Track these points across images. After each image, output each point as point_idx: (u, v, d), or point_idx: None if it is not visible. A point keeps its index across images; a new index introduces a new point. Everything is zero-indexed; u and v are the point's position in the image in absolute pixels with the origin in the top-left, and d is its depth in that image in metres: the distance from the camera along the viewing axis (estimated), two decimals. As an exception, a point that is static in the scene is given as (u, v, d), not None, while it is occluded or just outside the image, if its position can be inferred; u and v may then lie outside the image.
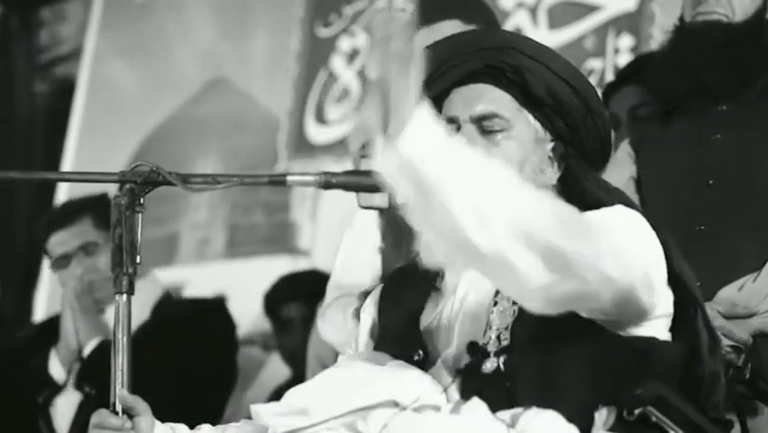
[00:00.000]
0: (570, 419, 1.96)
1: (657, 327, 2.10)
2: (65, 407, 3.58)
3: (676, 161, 2.86)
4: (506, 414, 1.97)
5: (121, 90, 6.01)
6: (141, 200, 2.08)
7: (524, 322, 2.07)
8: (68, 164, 5.97)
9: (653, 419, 2.01)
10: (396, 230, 2.93)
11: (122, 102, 5.98)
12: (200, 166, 5.50)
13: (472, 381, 2.07)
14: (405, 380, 2.06)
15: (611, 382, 2.03)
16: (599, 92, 2.47)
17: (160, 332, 3.51)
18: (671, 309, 2.12)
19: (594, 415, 2.02)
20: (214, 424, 2.29)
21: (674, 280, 2.10)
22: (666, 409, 2.02)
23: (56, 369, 3.61)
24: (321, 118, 5.31)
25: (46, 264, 3.79)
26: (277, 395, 3.42)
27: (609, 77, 4.19)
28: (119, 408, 2.11)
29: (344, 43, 5.33)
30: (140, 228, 2.08)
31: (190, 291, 5.30)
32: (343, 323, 2.95)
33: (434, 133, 1.83)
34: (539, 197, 1.88)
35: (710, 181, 2.79)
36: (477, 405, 1.98)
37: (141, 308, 3.56)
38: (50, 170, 5.79)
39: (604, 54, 4.54)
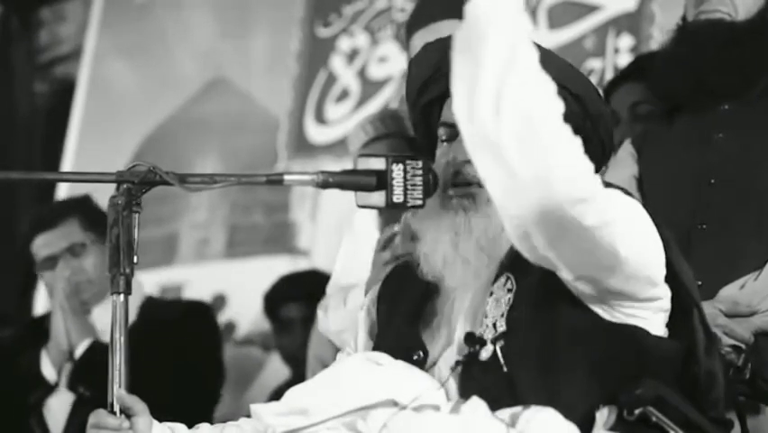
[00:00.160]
0: (569, 406, 1.97)
1: (654, 324, 2.10)
2: (58, 407, 3.58)
3: (678, 160, 2.86)
4: (505, 413, 1.97)
5: (121, 90, 6.01)
6: (139, 200, 2.08)
7: (519, 309, 2.09)
8: (67, 164, 5.98)
9: (654, 419, 2.01)
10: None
11: (122, 102, 5.98)
12: (200, 166, 5.50)
13: (471, 370, 2.08)
14: (404, 379, 2.06)
15: (609, 367, 2.04)
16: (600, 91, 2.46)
17: (144, 334, 3.50)
18: (668, 305, 2.12)
19: (594, 410, 2.02)
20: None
21: (672, 277, 2.10)
22: (666, 409, 2.03)
23: (47, 369, 3.61)
24: (321, 118, 5.31)
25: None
26: (277, 395, 3.42)
27: (609, 77, 4.19)
28: (117, 408, 2.10)
29: (344, 43, 5.33)
30: (137, 228, 2.08)
31: (190, 291, 5.30)
32: (344, 309, 2.96)
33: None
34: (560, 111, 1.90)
35: (712, 180, 2.79)
36: (477, 404, 1.98)
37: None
38: (50, 170, 5.79)
39: (604, 54, 4.54)
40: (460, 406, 1.99)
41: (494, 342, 2.08)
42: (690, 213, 2.77)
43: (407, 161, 2.08)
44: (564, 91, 2.17)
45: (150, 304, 3.73)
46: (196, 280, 5.39)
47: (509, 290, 2.11)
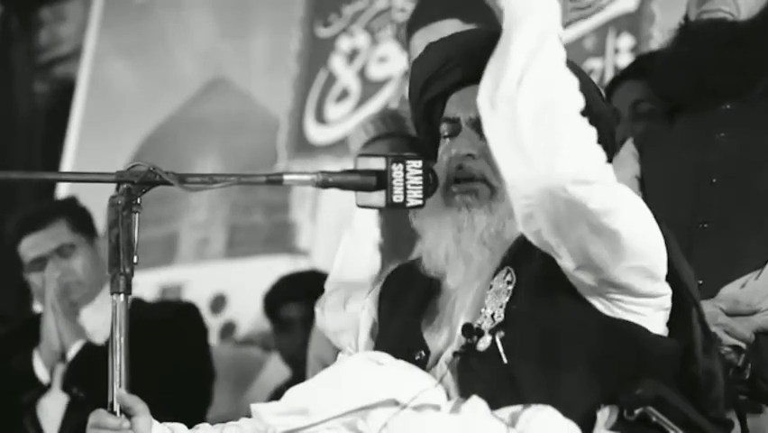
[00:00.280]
0: (569, 403, 1.97)
1: (655, 322, 2.10)
2: (52, 408, 3.58)
3: (680, 159, 2.86)
4: (505, 412, 1.97)
5: (121, 90, 6.01)
6: (138, 200, 2.08)
7: (518, 300, 2.09)
8: (67, 164, 5.98)
9: (654, 419, 2.01)
10: (395, 229, 2.93)
11: (122, 102, 5.98)
12: (200, 166, 5.50)
13: (468, 361, 2.08)
14: (405, 379, 2.06)
15: (609, 364, 2.04)
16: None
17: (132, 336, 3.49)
18: (669, 304, 2.12)
19: (594, 409, 2.02)
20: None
21: (672, 275, 2.10)
22: (666, 409, 2.03)
23: (39, 370, 3.61)
24: (321, 118, 5.31)
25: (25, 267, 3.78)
26: (277, 395, 3.42)
27: (609, 77, 4.19)
28: (117, 408, 2.10)
29: (344, 43, 5.33)
30: (137, 228, 2.08)
31: (190, 291, 5.30)
32: (343, 309, 2.96)
33: None
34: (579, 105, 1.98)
35: (714, 180, 2.79)
36: (477, 404, 1.98)
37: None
38: (50, 170, 5.79)
39: (604, 54, 4.53)
40: (460, 405, 1.99)
41: (492, 332, 2.08)
42: (690, 212, 2.77)
43: (407, 161, 2.08)
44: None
45: (136, 306, 3.73)
46: (196, 280, 5.39)
47: (509, 282, 2.12)
